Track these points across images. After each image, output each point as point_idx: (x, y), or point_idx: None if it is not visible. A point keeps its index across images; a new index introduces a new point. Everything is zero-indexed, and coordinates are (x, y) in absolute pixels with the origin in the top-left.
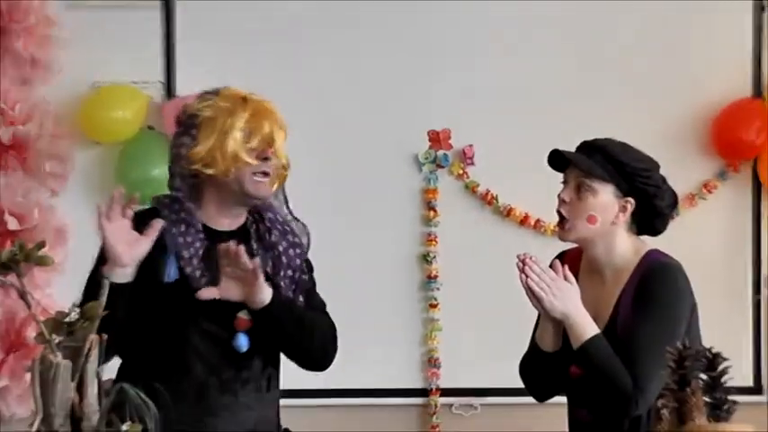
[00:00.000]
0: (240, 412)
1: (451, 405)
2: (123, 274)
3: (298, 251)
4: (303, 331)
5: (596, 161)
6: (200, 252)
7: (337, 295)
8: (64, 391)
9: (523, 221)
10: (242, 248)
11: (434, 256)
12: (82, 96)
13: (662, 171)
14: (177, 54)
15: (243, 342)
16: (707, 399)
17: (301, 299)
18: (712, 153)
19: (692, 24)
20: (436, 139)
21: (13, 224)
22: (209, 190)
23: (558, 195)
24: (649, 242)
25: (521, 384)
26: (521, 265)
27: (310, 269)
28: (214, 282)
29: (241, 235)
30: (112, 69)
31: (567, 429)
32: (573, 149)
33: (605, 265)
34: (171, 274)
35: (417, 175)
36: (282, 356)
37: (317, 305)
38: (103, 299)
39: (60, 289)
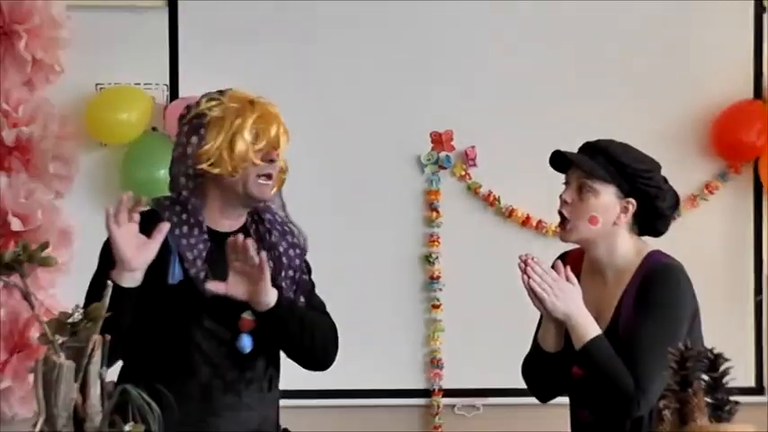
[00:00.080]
0: (243, 412)
1: (454, 406)
2: (132, 278)
3: (298, 251)
4: (305, 332)
5: (598, 162)
6: (204, 253)
7: (340, 296)
8: (67, 392)
9: (525, 222)
10: (250, 241)
11: (437, 257)
12: (86, 98)
13: (663, 172)
14: (181, 56)
15: (246, 343)
16: (708, 399)
17: (302, 299)
18: (713, 154)
19: (692, 25)
20: (438, 140)
21: (16, 225)
22: (212, 190)
23: (560, 196)
24: (651, 243)
25: (523, 385)
26: (523, 265)
27: (309, 270)
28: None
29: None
30: (116, 71)
31: (569, 430)
32: (574, 150)
33: (607, 265)
34: (175, 275)
35: (420, 177)
36: (282, 357)
37: (316, 305)
38: (106, 301)
39: (64, 289)
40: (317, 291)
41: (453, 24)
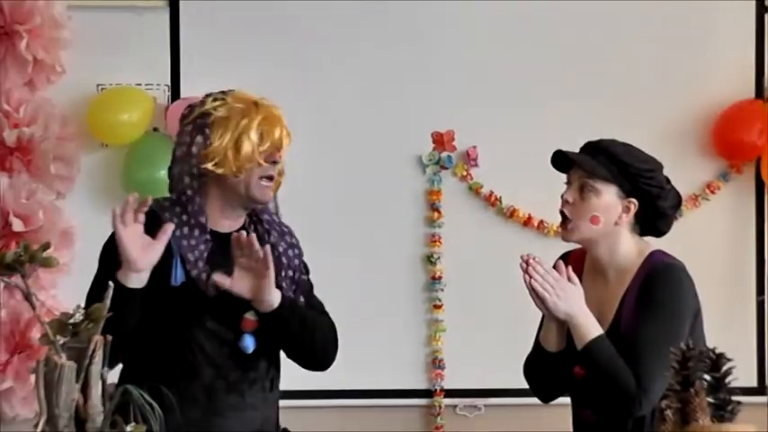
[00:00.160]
0: (247, 412)
1: (456, 406)
2: (138, 278)
3: (297, 251)
4: (307, 332)
5: (600, 162)
6: (206, 254)
7: (341, 296)
8: (68, 393)
9: (527, 222)
10: (253, 236)
11: (438, 257)
12: (88, 98)
13: (665, 172)
14: (182, 57)
15: (249, 343)
16: (710, 399)
17: (302, 299)
18: (715, 154)
19: (694, 25)
20: (440, 140)
21: (18, 226)
22: (213, 190)
23: (562, 196)
24: (653, 243)
25: (525, 385)
26: (524, 265)
27: (307, 270)
28: None
29: None
30: (118, 72)
31: (571, 430)
32: (576, 150)
33: (609, 265)
34: (177, 277)
35: (421, 177)
36: (282, 357)
37: (315, 305)
38: (108, 301)
39: (66, 290)
40: (318, 290)
41: (455, 24)
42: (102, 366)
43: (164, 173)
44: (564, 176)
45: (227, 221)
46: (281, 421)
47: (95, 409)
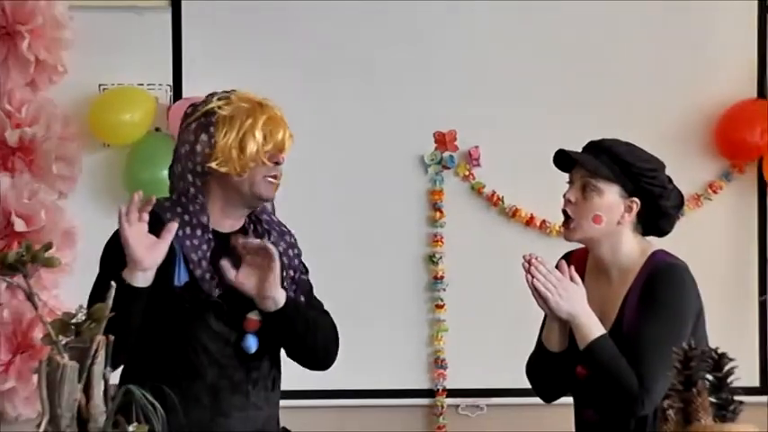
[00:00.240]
0: (251, 412)
1: (458, 406)
2: (144, 277)
3: (296, 251)
4: (310, 331)
5: (602, 161)
6: (208, 254)
7: (343, 296)
8: (71, 393)
9: (529, 222)
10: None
11: (440, 257)
12: (89, 99)
13: (667, 172)
14: (184, 56)
15: (252, 343)
16: (713, 399)
17: (302, 299)
18: (717, 154)
19: (696, 25)
20: (442, 140)
21: (20, 226)
22: (215, 190)
23: (564, 195)
24: (655, 243)
25: (527, 385)
26: (527, 265)
27: (306, 270)
28: (224, 283)
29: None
30: (120, 72)
31: (573, 430)
32: (578, 150)
33: (611, 265)
34: (180, 277)
35: (423, 177)
36: (282, 357)
37: (316, 305)
38: (110, 301)
39: (68, 290)
40: (320, 290)
41: (456, 24)
42: (105, 366)
43: (166, 173)
44: (566, 176)
45: (228, 221)
46: (283, 421)
47: (98, 409)
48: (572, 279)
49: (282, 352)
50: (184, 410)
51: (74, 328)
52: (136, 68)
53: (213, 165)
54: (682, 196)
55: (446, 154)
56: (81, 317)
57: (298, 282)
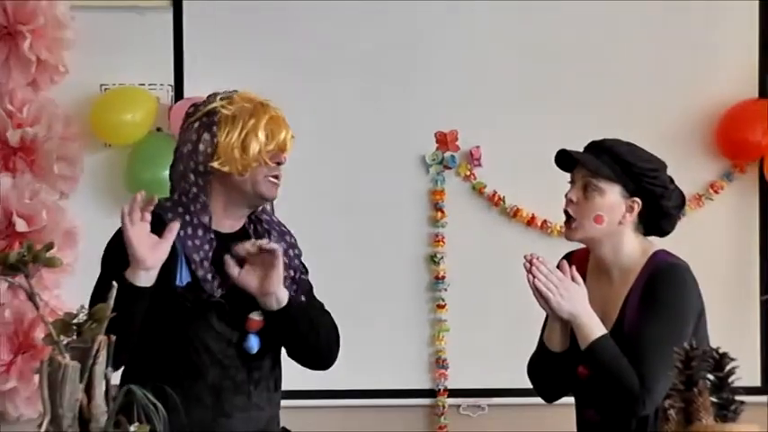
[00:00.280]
0: (253, 412)
1: (459, 406)
2: (148, 277)
3: (297, 251)
4: (313, 331)
5: (604, 161)
6: (210, 254)
7: (345, 296)
8: (72, 393)
9: (530, 222)
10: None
11: (442, 257)
12: (91, 99)
13: (668, 172)
14: (186, 56)
15: (254, 343)
16: (714, 399)
17: (303, 299)
18: (718, 154)
19: (697, 25)
20: (443, 140)
21: (21, 226)
22: (218, 189)
23: (566, 195)
24: (656, 243)
25: (529, 385)
26: (528, 265)
27: (306, 271)
28: (226, 283)
29: (242, 237)
30: (121, 72)
31: (574, 430)
32: (579, 150)
33: (612, 265)
34: (183, 277)
35: (425, 177)
36: (283, 356)
37: (316, 305)
38: (111, 301)
39: (69, 290)
40: (322, 290)
41: (457, 24)
42: (106, 366)
43: (167, 173)
44: (567, 176)
45: (228, 221)
46: (284, 421)
47: (99, 409)
48: (573, 279)
49: (282, 352)
50: (186, 411)
51: (75, 329)
52: (137, 68)
53: (215, 164)
54: (683, 196)
55: (447, 154)
56: (82, 317)
57: (298, 282)
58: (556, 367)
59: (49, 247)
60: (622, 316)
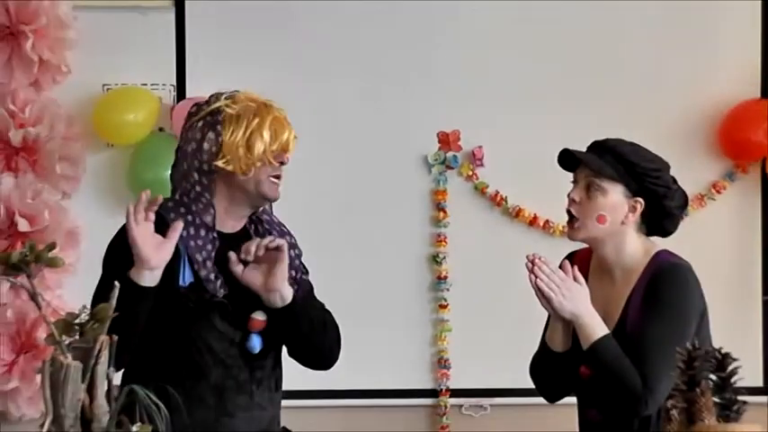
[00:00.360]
0: (255, 412)
1: (461, 406)
2: (152, 276)
3: (297, 251)
4: (316, 330)
5: (606, 161)
6: (213, 254)
7: (347, 296)
8: (74, 393)
9: (532, 222)
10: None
11: (444, 257)
12: (93, 99)
13: (671, 171)
14: (188, 56)
15: (256, 343)
16: (716, 399)
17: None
18: (720, 154)
19: (700, 24)
20: (445, 140)
21: (23, 226)
22: (221, 189)
23: (568, 195)
24: (659, 243)
25: (531, 385)
26: (530, 265)
27: (306, 271)
28: (228, 283)
29: (244, 237)
30: (123, 72)
31: (577, 430)
32: (582, 149)
33: (615, 265)
34: (185, 277)
35: (427, 177)
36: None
37: (317, 305)
38: (114, 301)
39: (71, 290)
40: (324, 290)
41: (460, 24)
42: (108, 366)
43: (169, 173)
44: (570, 176)
45: (230, 221)
46: (285, 421)
47: (101, 409)
48: (575, 279)
49: (283, 351)
50: (188, 410)
51: (77, 328)
52: (139, 68)
53: (220, 163)
54: (686, 196)
55: (450, 154)
56: (84, 317)
57: (299, 282)
58: (558, 367)
59: (52, 247)
60: (625, 316)
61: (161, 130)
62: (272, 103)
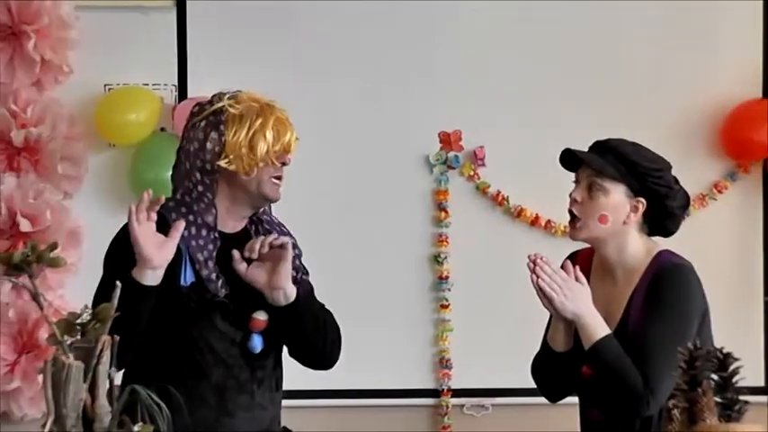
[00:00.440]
0: (256, 412)
1: (463, 406)
2: (154, 276)
3: (297, 252)
4: (318, 330)
5: (608, 161)
6: (214, 254)
7: (348, 296)
8: (76, 393)
9: (534, 222)
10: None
11: (445, 257)
12: (95, 99)
13: (672, 171)
14: (189, 57)
15: (257, 343)
16: (718, 399)
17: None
18: (722, 154)
19: (701, 24)
20: (447, 140)
21: (25, 226)
22: (222, 189)
23: (570, 195)
24: (660, 242)
25: (532, 385)
26: (532, 265)
27: (306, 272)
28: (229, 283)
29: (244, 238)
30: (125, 72)
31: (578, 430)
32: (583, 149)
33: (617, 265)
34: (187, 277)
35: (428, 177)
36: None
37: (318, 305)
38: (115, 301)
39: (73, 290)
40: (325, 290)
41: (460, 24)
42: (110, 366)
43: (170, 173)
44: (572, 176)
45: (231, 222)
46: (286, 421)
47: (103, 408)
48: (577, 279)
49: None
50: (190, 410)
51: (79, 328)
52: (141, 68)
53: (223, 163)
54: (688, 196)
55: (451, 154)
56: (86, 317)
57: (300, 282)
58: (559, 367)
59: (53, 246)
60: (626, 316)
61: (162, 130)
62: (275, 103)
